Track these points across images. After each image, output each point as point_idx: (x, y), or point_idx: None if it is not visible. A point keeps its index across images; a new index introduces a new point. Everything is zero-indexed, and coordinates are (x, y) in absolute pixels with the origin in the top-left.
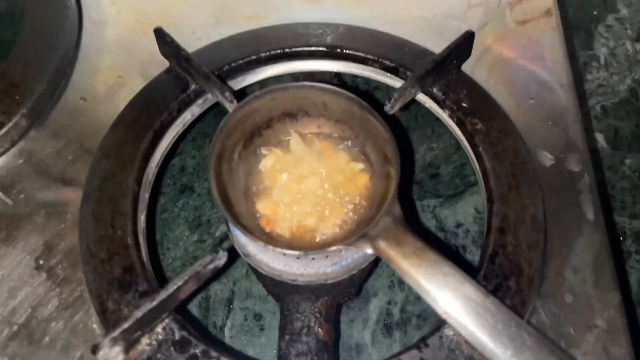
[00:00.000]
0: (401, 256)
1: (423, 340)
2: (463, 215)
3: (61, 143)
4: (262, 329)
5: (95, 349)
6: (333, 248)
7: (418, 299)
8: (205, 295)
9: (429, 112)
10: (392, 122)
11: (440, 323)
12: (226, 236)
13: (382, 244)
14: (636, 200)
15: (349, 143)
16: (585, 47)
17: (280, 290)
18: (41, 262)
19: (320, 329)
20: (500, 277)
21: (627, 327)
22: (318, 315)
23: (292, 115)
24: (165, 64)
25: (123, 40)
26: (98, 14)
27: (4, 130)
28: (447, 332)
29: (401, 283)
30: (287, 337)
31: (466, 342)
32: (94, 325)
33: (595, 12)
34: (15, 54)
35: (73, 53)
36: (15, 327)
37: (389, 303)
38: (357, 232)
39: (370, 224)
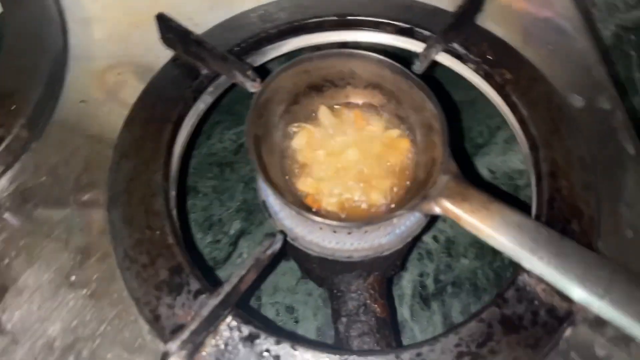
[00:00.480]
0: (470, 212)
1: (500, 295)
2: (478, 177)
3: (68, 150)
4: (296, 322)
5: (164, 357)
6: (398, 213)
7: (449, 266)
8: None
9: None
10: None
11: (512, 276)
12: (242, 233)
13: (447, 203)
14: None
15: (382, 109)
16: None
17: (328, 272)
18: (73, 278)
19: (376, 306)
20: (563, 221)
21: None
22: (372, 291)
23: (318, 88)
24: (165, 54)
25: (114, 36)
26: (81, 11)
27: (4, 145)
28: (523, 283)
29: (429, 254)
30: (344, 319)
31: (543, 290)
32: (147, 337)
33: None
34: (0, 63)
35: (62, 55)
36: (58, 352)
37: (421, 275)
38: (417, 196)
39: (429, 184)
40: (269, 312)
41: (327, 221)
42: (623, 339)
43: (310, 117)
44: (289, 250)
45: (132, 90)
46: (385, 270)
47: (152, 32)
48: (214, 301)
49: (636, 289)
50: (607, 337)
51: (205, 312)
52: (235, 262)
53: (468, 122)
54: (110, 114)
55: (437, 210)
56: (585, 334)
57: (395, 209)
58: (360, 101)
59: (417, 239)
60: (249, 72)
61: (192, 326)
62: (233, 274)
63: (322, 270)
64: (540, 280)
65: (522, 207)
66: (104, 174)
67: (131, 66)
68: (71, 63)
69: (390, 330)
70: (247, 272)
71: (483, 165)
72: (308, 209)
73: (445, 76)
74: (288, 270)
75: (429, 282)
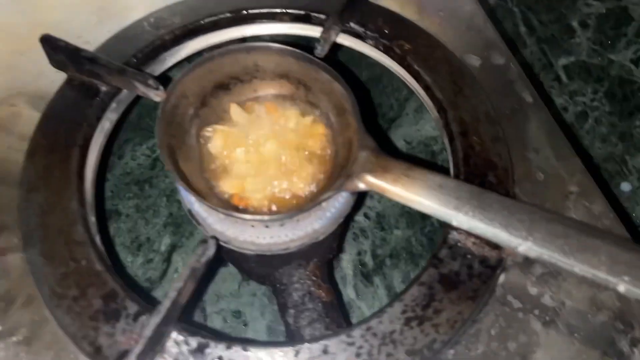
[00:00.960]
0: (392, 182)
1: (434, 256)
2: (397, 149)
3: None
4: (245, 325)
5: None
6: (325, 196)
7: (384, 240)
8: None
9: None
10: None
11: (443, 236)
12: (173, 247)
13: (370, 177)
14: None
15: (292, 98)
16: None
17: (268, 268)
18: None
19: (321, 291)
20: (480, 175)
21: (596, 184)
22: (314, 278)
23: (225, 86)
24: (59, 77)
25: None
26: None
27: None
28: (453, 240)
29: (363, 232)
30: (291, 311)
31: (474, 243)
32: None
33: None
34: None
35: None
36: None
37: (359, 254)
38: (340, 175)
39: (350, 163)
40: (216, 321)
41: (257, 217)
42: (551, 274)
43: (223, 118)
44: (225, 254)
45: (29, 120)
46: (323, 255)
47: (40, 57)
48: (156, 319)
49: (554, 226)
50: (537, 275)
51: (148, 332)
52: (171, 278)
53: (378, 98)
54: (9, 151)
55: (361, 186)
56: (517, 277)
57: (321, 193)
58: (269, 93)
59: (349, 219)
60: (150, 82)
61: (137, 349)
62: (170, 289)
63: (261, 268)
64: (469, 234)
65: (441, 170)
66: (12, 215)
67: (23, 96)
68: None
69: (338, 312)
70: (184, 284)
71: (399, 137)
72: (236, 209)
73: (350, 58)
74: (228, 275)
75: (368, 259)
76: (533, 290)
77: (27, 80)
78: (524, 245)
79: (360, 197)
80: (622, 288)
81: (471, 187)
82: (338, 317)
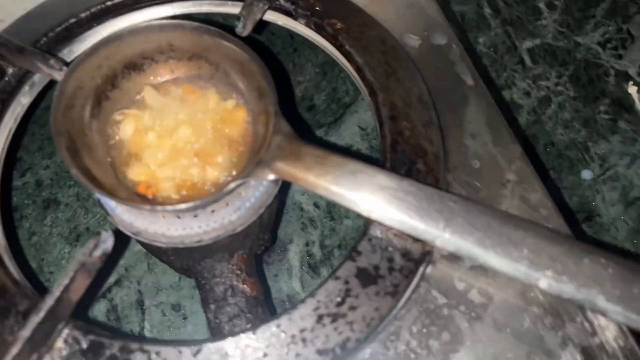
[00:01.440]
0: (304, 169)
1: (354, 249)
2: (350, 136)
3: None
4: (185, 318)
5: None
6: (231, 186)
7: (334, 230)
8: (111, 306)
9: (284, 48)
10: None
11: (364, 228)
12: None
13: (281, 165)
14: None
15: (212, 80)
16: None
17: (188, 260)
18: None
19: (245, 285)
20: (408, 162)
21: (535, 172)
22: (238, 272)
23: (137, 67)
24: None
25: None
26: None
27: None
28: (374, 233)
29: (312, 221)
30: (212, 306)
31: (396, 235)
32: None
33: None
34: None
35: None
36: None
37: (307, 244)
38: (250, 162)
39: (262, 148)
40: (155, 314)
41: (158, 207)
42: (481, 267)
43: (135, 101)
44: (142, 246)
45: None
46: (250, 247)
47: None
48: (36, 319)
49: (475, 217)
50: (465, 268)
51: (26, 332)
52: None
53: (333, 83)
54: None
55: (271, 175)
56: (443, 270)
57: (226, 183)
58: (186, 73)
59: (279, 208)
60: (52, 62)
61: (14, 350)
62: (55, 284)
63: (181, 261)
64: (389, 227)
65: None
66: None
67: None
68: None
69: (264, 308)
70: (71, 280)
71: (354, 123)
72: (144, 199)
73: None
74: (167, 267)
75: (316, 250)
76: (460, 285)
77: None
78: (440, 238)
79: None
80: (543, 283)
81: (390, 175)
82: (263, 312)
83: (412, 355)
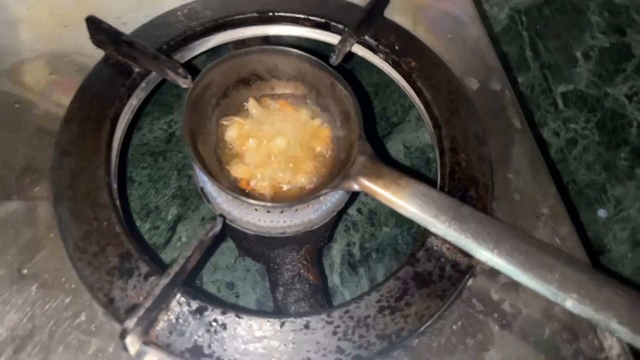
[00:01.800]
0: (383, 187)
1: (412, 255)
2: (395, 153)
3: (6, 151)
4: (237, 296)
5: (123, 334)
6: (323, 192)
7: (373, 235)
8: None
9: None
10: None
11: (422, 239)
12: (179, 218)
13: (364, 180)
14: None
15: (305, 99)
16: None
17: (265, 247)
18: (25, 271)
19: (309, 274)
20: (462, 189)
21: (566, 210)
22: (305, 261)
23: (246, 82)
24: (97, 52)
25: (42, 37)
26: (5, 13)
27: None
28: (430, 244)
29: (355, 225)
30: (281, 288)
31: (448, 249)
32: (102, 319)
33: None
34: None
35: None
36: (18, 341)
37: (348, 245)
38: (339, 175)
39: (348, 165)
40: (211, 290)
41: (261, 203)
42: (513, 284)
43: (241, 109)
44: (227, 231)
45: (66, 90)
46: (315, 242)
47: (82, 31)
48: (165, 281)
49: (519, 243)
50: (500, 284)
51: (157, 291)
52: (175, 246)
53: (384, 102)
54: (46, 113)
55: (355, 187)
56: (483, 283)
57: (319, 189)
58: (285, 92)
59: (342, 212)
60: (180, 70)
61: (147, 304)
62: (180, 256)
63: (259, 247)
64: (444, 241)
65: (428, 181)
66: (46, 171)
67: (63, 66)
68: (3, 62)
69: (322, 295)
70: (192, 253)
71: (399, 142)
72: (243, 193)
73: (364, 62)
74: (226, 250)
75: (356, 251)
76: (495, 297)
77: (68, 52)
78: (489, 256)
79: (355, 194)
80: (569, 304)
81: (451, 200)
82: (322, 299)
83: (451, 349)
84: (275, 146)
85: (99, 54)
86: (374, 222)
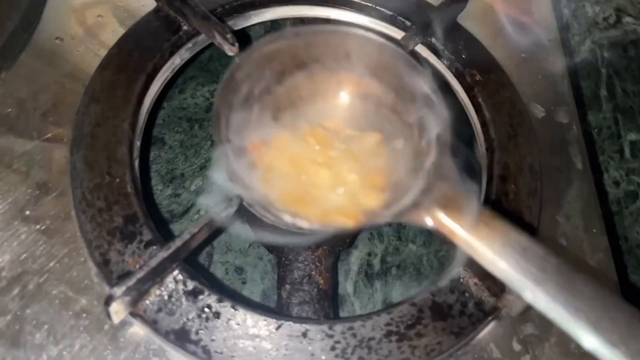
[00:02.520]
0: (468, 228)
1: (434, 283)
2: None
3: (38, 85)
4: (244, 283)
5: (108, 300)
6: (382, 219)
7: (397, 249)
8: None
9: None
10: None
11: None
12: (202, 191)
13: (441, 214)
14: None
15: (378, 101)
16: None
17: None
18: (27, 212)
19: (320, 278)
20: None
21: (614, 267)
22: (318, 264)
23: (306, 68)
24: (149, 1)
25: None
26: None
27: None
28: (457, 276)
29: (380, 235)
30: (287, 286)
31: (476, 284)
32: (94, 279)
33: None
34: None
35: None
36: (4, 282)
37: (369, 255)
38: (407, 202)
39: (420, 190)
40: (219, 271)
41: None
42: (538, 337)
43: (296, 104)
44: (244, 214)
45: (111, 34)
46: (333, 245)
47: None
48: (164, 254)
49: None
50: (525, 334)
51: (154, 262)
52: (192, 218)
53: None
54: (86, 55)
55: (428, 222)
56: (505, 329)
57: (377, 214)
58: (352, 91)
59: None
60: (229, 36)
61: (139, 274)
62: (185, 230)
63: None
64: (474, 274)
65: None
66: (71, 114)
67: (112, 9)
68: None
69: (330, 303)
70: (199, 230)
71: None
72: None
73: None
74: (241, 232)
75: (376, 262)
76: (517, 347)
77: None
78: (609, 353)
79: None
80: None
81: (560, 262)
82: (328, 307)
83: None
84: (316, 177)
85: (151, 4)
86: (401, 237)
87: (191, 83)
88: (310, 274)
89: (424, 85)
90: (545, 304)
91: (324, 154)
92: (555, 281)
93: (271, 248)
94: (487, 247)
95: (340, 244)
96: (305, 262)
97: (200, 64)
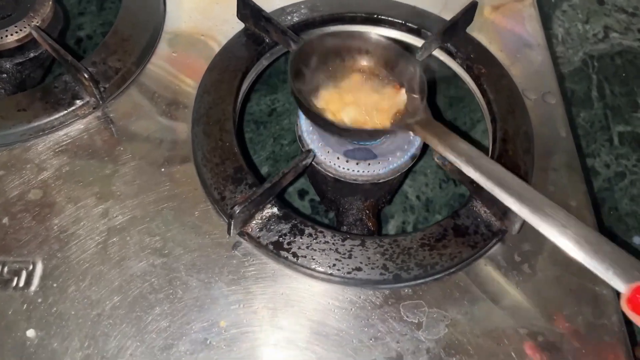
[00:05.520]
0: (432, 135)
1: (455, 212)
2: None
3: (162, 84)
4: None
5: (232, 214)
6: (387, 128)
7: (426, 219)
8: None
9: None
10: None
11: (466, 201)
12: (268, 175)
13: (419, 128)
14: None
15: (386, 77)
16: (546, 27)
17: (338, 194)
18: (163, 169)
19: (369, 222)
20: None
21: (591, 205)
22: (367, 211)
23: (341, 57)
24: (237, 26)
25: (200, 8)
26: None
27: (120, 73)
28: (471, 206)
29: (412, 208)
30: (344, 227)
31: (486, 212)
32: (213, 216)
33: (552, 0)
34: (121, 16)
35: (162, 17)
36: (151, 216)
37: (404, 222)
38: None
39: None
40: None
41: (342, 125)
42: (533, 252)
43: (335, 77)
44: (310, 176)
45: (210, 49)
46: (378, 199)
47: (228, 9)
48: (266, 185)
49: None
50: (523, 250)
51: (260, 190)
52: None
53: (455, 113)
54: (193, 64)
55: (411, 131)
56: (510, 246)
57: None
58: (370, 72)
59: (403, 177)
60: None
61: (254, 195)
62: (277, 173)
63: (334, 192)
64: (483, 204)
65: None
66: (189, 102)
67: (210, 31)
68: (167, 24)
69: None
70: (289, 170)
71: None
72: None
73: (444, 76)
74: (301, 207)
75: (409, 228)
76: (517, 259)
77: (215, 23)
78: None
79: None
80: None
81: (483, 154)
82: None
83: (472, 291)
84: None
85: (238, 28)
86: (429, 209)
87: (256, 94)
88: (361, 219)
89: (413, 66)
90: (471, 173)
91: (353, 95)
92: (478, 162)
93: (331, 203)
94: (443, 146)
95: (382, 199)
96: (358, 210)
97: (263, 79)
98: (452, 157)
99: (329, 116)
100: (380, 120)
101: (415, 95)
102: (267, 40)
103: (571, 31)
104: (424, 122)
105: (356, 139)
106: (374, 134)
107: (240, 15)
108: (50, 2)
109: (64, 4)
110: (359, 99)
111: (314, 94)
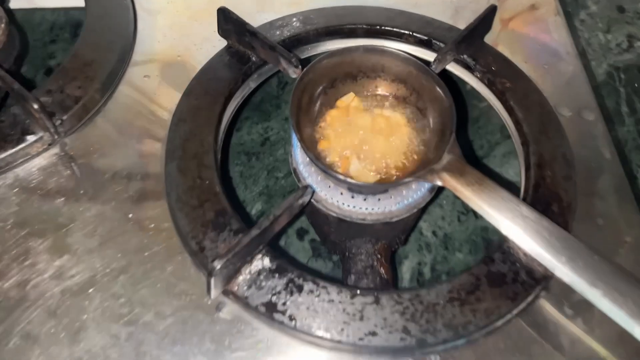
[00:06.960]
0: (465, 185)
1: (488, 256)
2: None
3: (132, 113)
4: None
5: (211, 271)
6: (407, 180)
7: (445, 258)
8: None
9: None
10: None
11: (497, 243)
12: (262, 214)
13: (447, 176)
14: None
15: (405, 100)
16: None
17: (343, 236)
18: (130, 215)
19: (382, 268)
20: (544, 204)
21: None
22: (379, 255)
23: (353, 77)
24: (218, 44)
25: (176, 26)
26: (149, 3)
27: (81, 103)
28: (507, 248)
29: (428, 246)
30: (352, 276)
31: (525, 255)
32: (190, 269)
33: (569, 9)
34: (83, 38)
35: (132, 37)
36: (114, 274)
37: (419, 264)
38: (425, 168)
39: (435, 160)
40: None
41: (348, 179)
42: (586, 302)
43: (342, 100)
44: (310, 215)
45: (188, 71)
46: (391, 240)
47: (208, 26)
48: (255, 232)
49: (593, 262)
50: (574, 300)
51: (246, 240)
52: None
53: (472, 135)
54: (168, 88)
55: (438, 182)
56: (557, 295)
57: (403, 178)
58: (387, 92)
59: (419, 216)
60: (294, 60)
61: (235, 250)
62: (269, 214)
63: (337, 234)
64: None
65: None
66: (162, 133)
67: (188, 51)
68: (138, 44)
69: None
70: (281, 213)
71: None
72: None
73: (458, 94)
74: (301, 249)
75: (426, 270)
76: (568, 312)
77: (195, 41)
78: (560, 270)
79: (432, 200)
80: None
81: (530, 209)
82: None
83: (517, 353)
84: (372, 140)
85: (220, 47)
86: (448, 247)
87: (246, 122)
88: (372, 265)
89: (437, 86)
90: (517, 236)
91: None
92: (524, 219)
93: (334, 247)
94: (478, 197)
95: (396, 239)
96: (368, 254)
97: (253, 105)
98: (489, 215)
99: (335, 157)
100: (395, 162)
101: (444, 129)
102: (254, 59)
103: (592, 42)
104: (454, 168)
105: (368, 192)
106: (391, 186)
107: (222, 31)
108: (3, 25)
109: (24, 30)
110: (370, 140)
111: (318, 121)
